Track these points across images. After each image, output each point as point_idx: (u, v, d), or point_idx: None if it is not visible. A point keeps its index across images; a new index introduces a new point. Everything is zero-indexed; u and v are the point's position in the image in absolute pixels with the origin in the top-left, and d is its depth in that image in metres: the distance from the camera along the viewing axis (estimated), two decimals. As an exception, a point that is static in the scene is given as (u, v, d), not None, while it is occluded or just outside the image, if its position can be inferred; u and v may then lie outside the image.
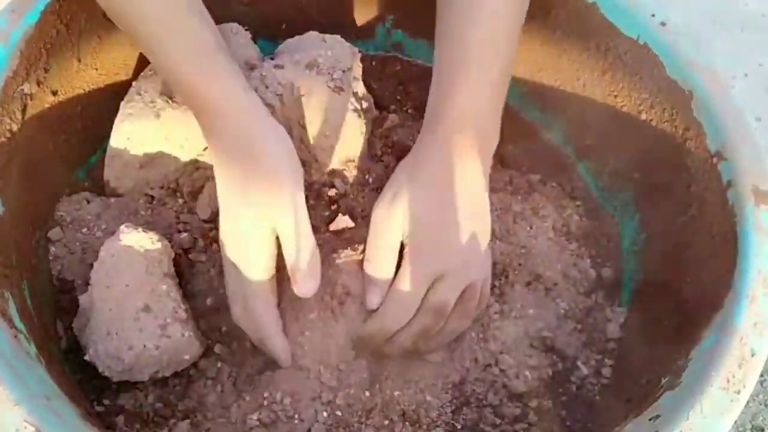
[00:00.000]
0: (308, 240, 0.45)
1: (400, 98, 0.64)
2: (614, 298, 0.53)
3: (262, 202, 0.44)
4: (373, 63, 0.65)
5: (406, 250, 0.46)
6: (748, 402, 0.47)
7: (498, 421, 0.47)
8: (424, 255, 0.45)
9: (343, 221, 0.52)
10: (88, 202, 0.53)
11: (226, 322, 0.49)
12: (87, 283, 0.47)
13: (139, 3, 0.44)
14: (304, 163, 0.55)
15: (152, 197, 0.53)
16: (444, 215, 0.46)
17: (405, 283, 0.45)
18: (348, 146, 0.55)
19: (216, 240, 0.52)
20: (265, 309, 0.45)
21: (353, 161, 0.56)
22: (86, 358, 0.44)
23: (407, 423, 0.46)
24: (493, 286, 0.51)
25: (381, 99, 0.63)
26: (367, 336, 0.46)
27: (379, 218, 0.47)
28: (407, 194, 0.46)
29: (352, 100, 0.55)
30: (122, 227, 0.48)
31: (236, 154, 0.45)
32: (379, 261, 0.46)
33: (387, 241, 0.46)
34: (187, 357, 0.46)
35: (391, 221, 0.46)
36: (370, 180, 0.56)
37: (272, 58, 0.54)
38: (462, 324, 0.47)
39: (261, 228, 0.44)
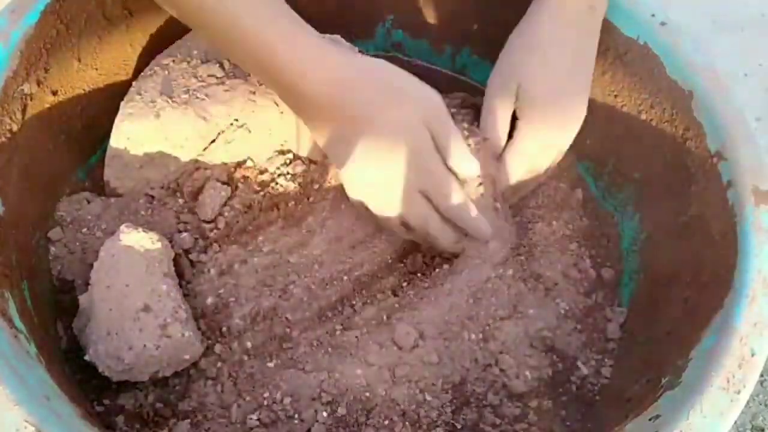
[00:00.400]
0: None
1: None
2: (614, 298, 0.54)
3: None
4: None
5: (518, 122, 0.52)
6: (748, 402, 0.47)
7: (498, 421, 0.47)
8: (535, 130, 0.52)
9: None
10: (88, 202, 0.53)
11: (227, 322, 0.49)
12: (87, 283, 0.47)
13: None
14: (310, 163, 0.55)
15: (152, 197, 0.53)
16: (556, 94, 0.51)
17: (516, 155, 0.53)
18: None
19: (217, 240, 0.52)
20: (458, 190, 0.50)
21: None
22: (86, 358, 0.44)
23: (407, 423, 0.46)
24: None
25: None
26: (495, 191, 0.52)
27: (495, 90, 0.53)
28: (521, 68, 0.52)
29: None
30: (122, 227, 0.48)
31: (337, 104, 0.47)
32: (495, 132, 0.53)
33: (501, 115, 0.53)
34: (187, 357, 0.46)
35: (506, 94, 0.52)
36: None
37: (272, 58, 0.54)
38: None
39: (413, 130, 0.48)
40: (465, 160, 0.49)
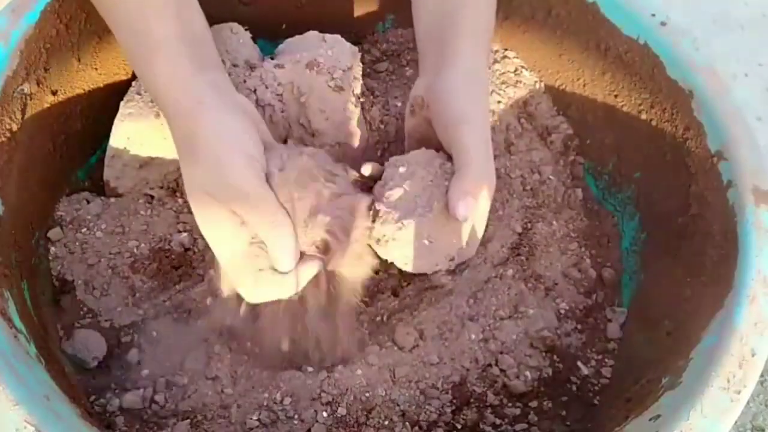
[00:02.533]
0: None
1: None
2: (614, 298, 0.54)
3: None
4: (373, 63, 0.65)
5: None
6: (748, 402, 0.47)
7: (498, 421, 0.47)
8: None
9: None
10: (88, 202, 0.53)
11: (227, 322, 0.49)
12: (87, 283, 0.47)
13: None
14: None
15: (152, 197, 0.53)
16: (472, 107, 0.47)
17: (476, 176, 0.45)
18: (348, 145, 0.55)
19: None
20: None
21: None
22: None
23: (407, 423, 0.46)
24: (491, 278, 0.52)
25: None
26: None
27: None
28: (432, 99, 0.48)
29: (353, 99, 0.55)
30: None
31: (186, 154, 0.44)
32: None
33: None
34: None
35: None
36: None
37: (272, 58, 0.54)
38: None
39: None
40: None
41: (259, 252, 0.42)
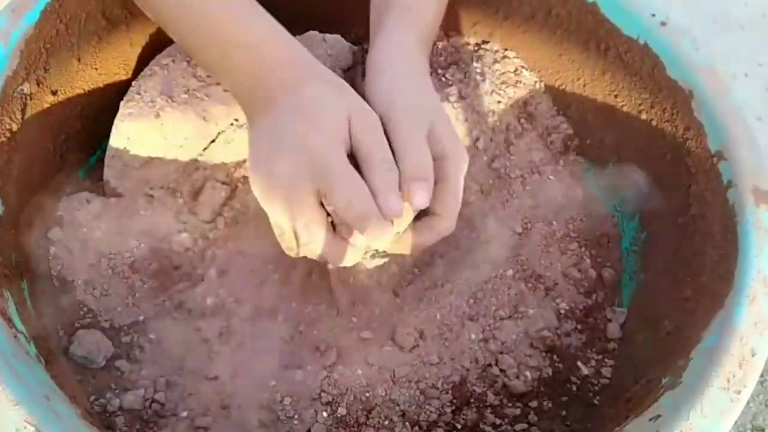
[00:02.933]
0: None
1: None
2: (614, 298, 0.53)
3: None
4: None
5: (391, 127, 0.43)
6: (748, 402, 0.47)
7: (498, 421, 0.47)
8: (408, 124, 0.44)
9: None
10: (88, 202, 0.53)
11: (227, 322, 0.49)
12: (87, 283, 0.47)
13: None
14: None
15: (152, 197, 0.53)
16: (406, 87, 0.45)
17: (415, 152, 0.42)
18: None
19: (217, 240, 0.52)
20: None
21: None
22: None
23: (407, 423, 0.46)
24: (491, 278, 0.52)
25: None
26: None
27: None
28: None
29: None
30: None
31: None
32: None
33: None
34: None
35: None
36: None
37: (272, 58, 0.54)
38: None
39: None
40: (390, 191, 0.41)
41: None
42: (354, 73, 0.55)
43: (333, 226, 0.43)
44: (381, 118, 0.43)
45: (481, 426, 0.46)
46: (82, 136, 0.55)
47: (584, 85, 0.59)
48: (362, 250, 0.44)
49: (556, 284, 0.53)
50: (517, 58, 0.63)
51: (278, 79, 0.43)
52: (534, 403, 0.48)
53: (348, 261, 0.44)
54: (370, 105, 0.44)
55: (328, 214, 0.42)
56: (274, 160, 0.41)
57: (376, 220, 0.40)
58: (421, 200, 0.41)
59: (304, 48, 0.45)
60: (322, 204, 0.41)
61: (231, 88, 0.47)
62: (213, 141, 0.53)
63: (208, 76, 0.54)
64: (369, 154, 0.41)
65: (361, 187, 0.40)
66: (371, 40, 0.50)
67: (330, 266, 0.48)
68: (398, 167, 0.42)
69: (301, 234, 0.42)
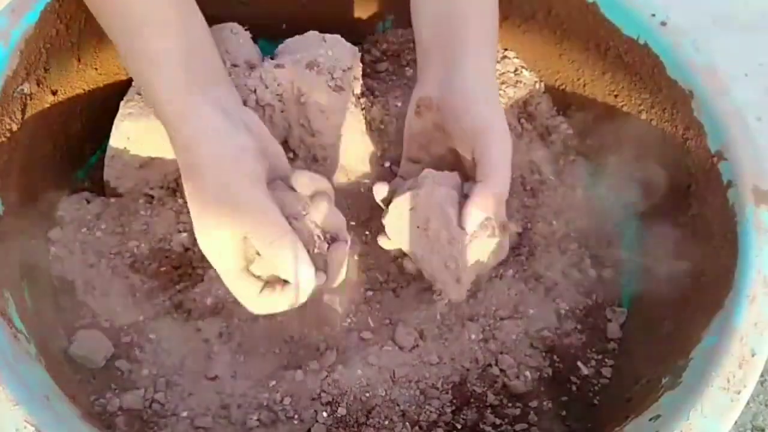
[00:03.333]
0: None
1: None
2: (614, 298, 0.53)
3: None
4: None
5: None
6: (748, 402, 0.47)
7: (498, 421, 0.47)
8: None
9: None
10: (88, 202, 0.53)
11: (227, 322, 0.49)
12: (87, 283, 0.47)
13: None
14: (304, 162, 0.55)
15: (152, 197, 0.53)
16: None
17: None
18: (348, 145, 0.55)
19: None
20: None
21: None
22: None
23: (407, 423, 0.46)
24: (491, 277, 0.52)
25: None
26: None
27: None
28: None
29: (353, 99, 0.55)
30: None
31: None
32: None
33: None
34: None
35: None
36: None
37: (272, 58, 0.54)
38: None
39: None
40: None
41: (261, 267, 0.42)
42: (354, 73, 0.55)
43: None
44: (476, 143, 0.45)
45: (481, 426, 0.46)
46: (82, 136, 0.55)
47: (584, 85, 0.59)
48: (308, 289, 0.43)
49: (556, 284, 0.53)
50: (517, 58, 0.63)
51: (186, 145, 0.43)
52: (534, 403, 0.48)
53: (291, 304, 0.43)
54: (451, 119, 0.47)
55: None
56: (199, 229, 0.42)
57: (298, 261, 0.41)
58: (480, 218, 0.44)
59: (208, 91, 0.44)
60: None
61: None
62: (213, 141, 0.53)
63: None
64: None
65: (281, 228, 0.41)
66: (439, 66, 0.48)
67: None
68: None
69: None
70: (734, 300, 0.41)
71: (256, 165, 0.42)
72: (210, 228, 0.42)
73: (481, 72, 0.48)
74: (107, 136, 0.52)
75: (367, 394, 0.47)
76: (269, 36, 0.60)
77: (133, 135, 0.52)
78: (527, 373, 0.49)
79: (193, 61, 0.44)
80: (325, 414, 0.45)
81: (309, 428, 0.45)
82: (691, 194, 0.49)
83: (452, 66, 0.48)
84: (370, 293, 0.52)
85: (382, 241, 0.50)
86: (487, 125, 0.46)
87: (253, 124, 0.45)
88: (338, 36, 0.56)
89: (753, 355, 0.39)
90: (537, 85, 0.62)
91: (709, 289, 0.44)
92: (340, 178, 0.55)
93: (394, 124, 0.58)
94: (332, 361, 0.48)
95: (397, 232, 0.48)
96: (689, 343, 0.42)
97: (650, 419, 0.40)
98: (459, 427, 0.46)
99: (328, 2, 0.62)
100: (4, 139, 0.46)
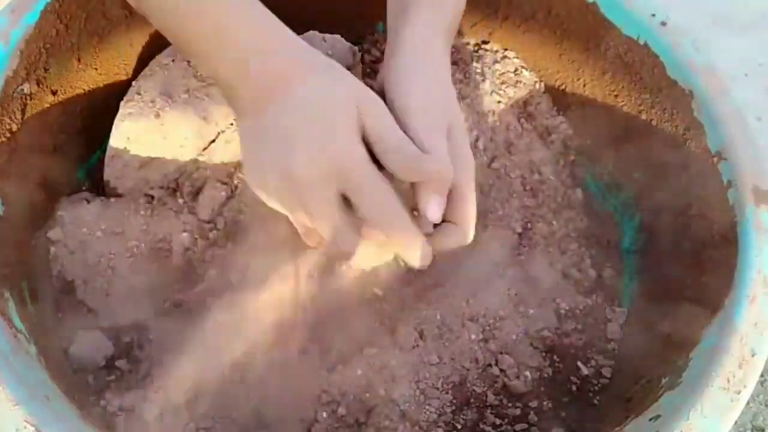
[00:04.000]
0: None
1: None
2: (614, 298, 0.53)
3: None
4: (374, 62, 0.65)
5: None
6: (748, 402, 0.47)
7: (498, 421, 0.47)
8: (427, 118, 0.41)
9: None
10: (88, 202, 0.53)
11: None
12: (87, 283, 0.47)
13: None
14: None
15: (152, 197, 0.53)
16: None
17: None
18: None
19: (216, 242, 0.52)
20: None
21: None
22: None
23: (407, 423, 0.46)
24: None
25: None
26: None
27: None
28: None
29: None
30: None
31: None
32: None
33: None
34: None
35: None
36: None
37: (272, 58, 0.54)
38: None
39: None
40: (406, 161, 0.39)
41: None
42: (354, 73, 0.55)
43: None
44: (398, 118, 0.41)
45: (481, 426, 0.46)
46: (82, 136, 0.55)
47: (584, 85, 0.59)
48: (390, 252, 0.42)
49: (556, 284, 0.53)
50: (517, 58, 0.63)
51: (275, 68, 0.40)
52: (534, 403, 0.48)
53: (374, 263, 0.42)
54: (388, 102, 0.42)
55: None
56: (289, 161, 0.38)
57: (408, 227, 0.38)
58: (438, 214, 0.40)
59: (299, 38, 0.43)
60: (346, 201, 0.39)
61: (222, 82, 0.42)
62: (213, 141, 0.53)
63: (209, 76, 0.54)
64: (385, 141, 0.39)
65: (389, 193, 0.38)
66: (392, 31, 0.46)
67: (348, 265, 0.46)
68: None
69: (329, 236, 0.39)
70: (734, 300, 0.41)
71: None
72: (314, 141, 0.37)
73: (416, 38, 0.44)
74: (107, 136, 0.52)
75: (367, 394, 0.47)
76: (269, 36, 0.60)
77: (133, 135, 0.52)
78: (527, 373, 0.49)
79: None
80: (325, 414, 0.45)
81: (309, 428, 0.45)
82: (691, 194, 0.49)
83: (394, 29, 0.45)
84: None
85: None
86: (408, 107, 0.41)
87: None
88: (338, 36, 0.56)
89: (753, 355, 0.39)
90: (537, 85, 0.62)
91: (709, 289, 0.44)
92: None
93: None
94: (332, 361, 0.48)
95: None
96: (689, 343, 0.42)
97: (650, 419, 0.40)
98: (459, 427, 0.46)
99: (328, 2, 0.62)
100: (4, 139, 0.46)
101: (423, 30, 0.45)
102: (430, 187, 0.40)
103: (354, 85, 0.40)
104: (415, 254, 0.40)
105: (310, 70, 0.40)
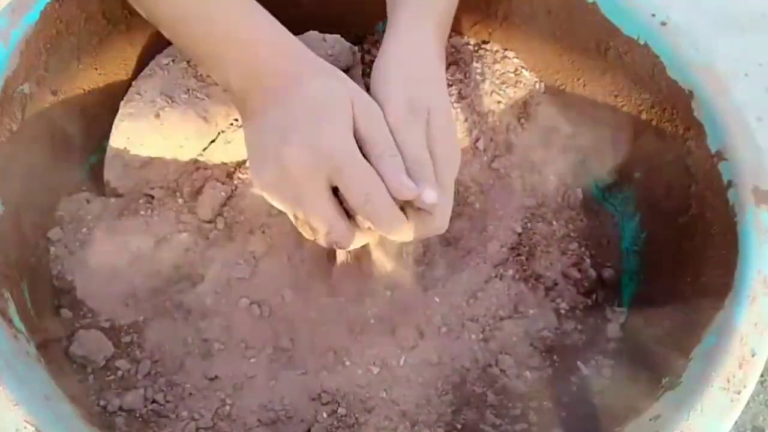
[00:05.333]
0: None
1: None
2: (614, 298, 0.54)
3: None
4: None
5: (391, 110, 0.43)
6: (748, 402, 0.47)
7: (498, 421, 0.47)
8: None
9: None
10: (88, 202, 0.53)
11: (227, 321, 0.49)
12: (87, 283, 0.47)
13: None
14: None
15: (152, 197, 0.53)
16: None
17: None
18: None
19: (216, 242, 0.52)
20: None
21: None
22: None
23: (407, 423, 0.46)
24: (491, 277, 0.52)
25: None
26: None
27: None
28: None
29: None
30: None
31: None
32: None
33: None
34: None
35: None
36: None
37: (272, 58, 0.54)
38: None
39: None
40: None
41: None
42: (354, 73, 0.55)
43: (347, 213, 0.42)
44: (381, 108, 0.43)
45: (481, 426, 0.46)
46: (82, 136, 0.54)
47: (584, 85, 0.59)
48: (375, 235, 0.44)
49: (556, 284, 0.53)
50: (517, 58, 0.63)
51: (279, 72, 0.43)
52: (534, 403, 0.48)
53: (360, 243, 0.44)
54: (373, 93, 0.44)
55: (341, 202, 0.41)
56: (283, 154, 0.40)
57: (394, 215, 0.40)
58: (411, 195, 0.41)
59: (301, 42, 0.45)
60: (335, 194, 0.41)
61: (225, 82, 0.45)
62: (213, 141, 0.53)
63: (208, 76, 0.54)
64: (374, 143, 0.41)
65: (375, 180, 0.39)
66: (389, 25, 0.48)
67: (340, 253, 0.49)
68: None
69: (320, 227, 0.41)
70: (734, 300, 0.41)
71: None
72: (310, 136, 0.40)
73: (411, 32, 0.46)
74: (107, 136, 0.52)
75: (367, 394, 0.47)
76: (269, 36, 0.60)
77: (133, 135, 0.52)
78: (527, 373, 0.49)
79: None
80: (325, 414, 0.45)
81: (309, 428, 0.45)
82: (691, 194, 0.49)
83: (390, 23, 0.47)
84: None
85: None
86: (385, 90, 0.43)
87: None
88: (338, 36, 0.56)
89: (753, 355, 0.39)
90: (537, 85, 0.62)
91: (709, 289, 0.44)
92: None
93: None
94: (332, 361, 0.48)
95: None
96: (689, 343, 0.42)
97: (650, 419, 0.40)
98: (459, 427, 0.46)
99: (327, 2, 0.62)
100: (4, 139, 0.46)
101: (407, 23, 0.47)
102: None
103: (351, 88, 0.43)
104: (400, 237, 0.42)
105: (313, 73, 0.43)
